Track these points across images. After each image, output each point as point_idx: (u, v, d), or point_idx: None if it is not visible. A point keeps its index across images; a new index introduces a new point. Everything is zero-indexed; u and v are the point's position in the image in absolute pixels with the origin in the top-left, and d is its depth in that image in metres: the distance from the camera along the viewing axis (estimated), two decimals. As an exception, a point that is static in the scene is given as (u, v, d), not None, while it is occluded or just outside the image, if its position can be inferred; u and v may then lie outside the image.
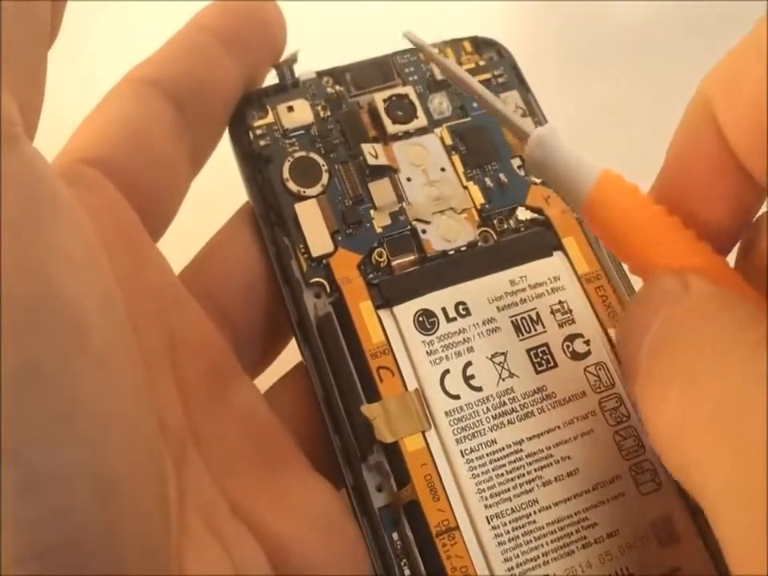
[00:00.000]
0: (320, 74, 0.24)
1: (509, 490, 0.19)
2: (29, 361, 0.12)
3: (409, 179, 0.22)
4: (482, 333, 0.20)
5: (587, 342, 0.20)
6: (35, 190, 0.13)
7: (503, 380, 0.20)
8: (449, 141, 0.23)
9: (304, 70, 0.24)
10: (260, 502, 0.19)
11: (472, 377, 0.20)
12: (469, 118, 0.24)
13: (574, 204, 0.18)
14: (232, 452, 0.19)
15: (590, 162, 0.18)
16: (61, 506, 0.12)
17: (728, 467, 0.12)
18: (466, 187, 0.23)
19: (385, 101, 0.23)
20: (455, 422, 0.19)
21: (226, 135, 0.23)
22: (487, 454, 0.19)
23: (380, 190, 0.22)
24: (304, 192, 0.22)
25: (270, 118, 0.23)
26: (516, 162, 0.23)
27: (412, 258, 0.21)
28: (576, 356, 0.20)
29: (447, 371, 0.20)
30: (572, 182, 0.18)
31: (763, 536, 0.11)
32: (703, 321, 0.14)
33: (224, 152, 0.23)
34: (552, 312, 0.21)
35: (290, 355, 0.22)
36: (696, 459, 0.13)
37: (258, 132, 0.23)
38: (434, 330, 0.20)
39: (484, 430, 0.19)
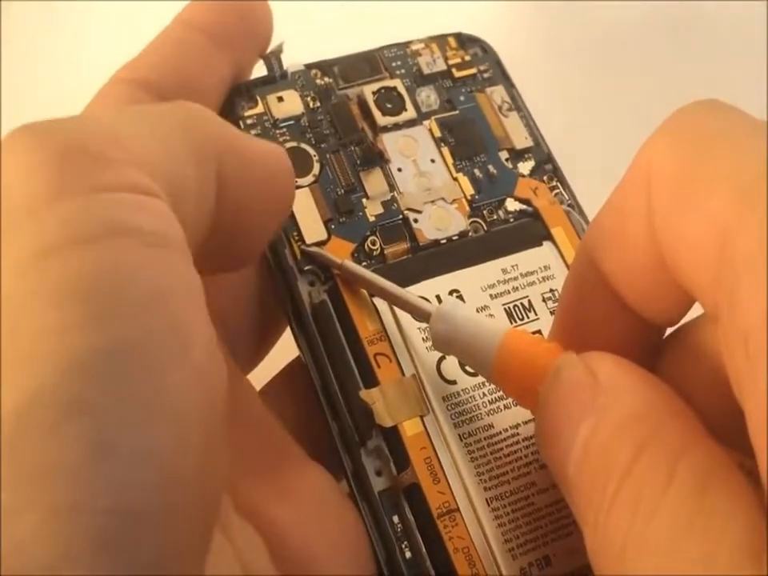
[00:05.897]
0: (308, 67, 0.24)
1: (507, 473, 0.19)
2: (127, 339, 0.12)
3: (400, 169, 0.23)
4: (475, 320, 0.21)
5: (579, 329, 0.21)
6: None
7: (498, 366, 0.20)
8: (437, 133, 0.23)
9: (291, 62, 0.24)
10: (258, 493, 0.18)
11: (468, 363, 0.20)
12: (456, 111, 0.24)
13: (484, 373, 0.18)
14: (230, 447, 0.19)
15: (492, 327, 0.17)
16: (125, 479, 0.12)
17: None
18: (455, 178, 0.23)
19: (374, 93, 0.24)
20: (452, 406, 0.19)
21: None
22: (485, 438, 0.19)
23: (372, 180, 0.22)
24: (296, 182, 0.22)
25: (260, 108, 0.23)
26: (504, 155, 0.23)
27: (405, 246, 0.22)
28: (568, 342, 0.21)
29: (443, 357, 0.20)
30: (478, 351, 0.17)
31: None
32: (627, 462, 0.13)
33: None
34: (544, 300, 0.21)
35: (284, 354, 0.22)
36: None
37: (249, 122, 0.23)
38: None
39: (481, 414, 0.19)
